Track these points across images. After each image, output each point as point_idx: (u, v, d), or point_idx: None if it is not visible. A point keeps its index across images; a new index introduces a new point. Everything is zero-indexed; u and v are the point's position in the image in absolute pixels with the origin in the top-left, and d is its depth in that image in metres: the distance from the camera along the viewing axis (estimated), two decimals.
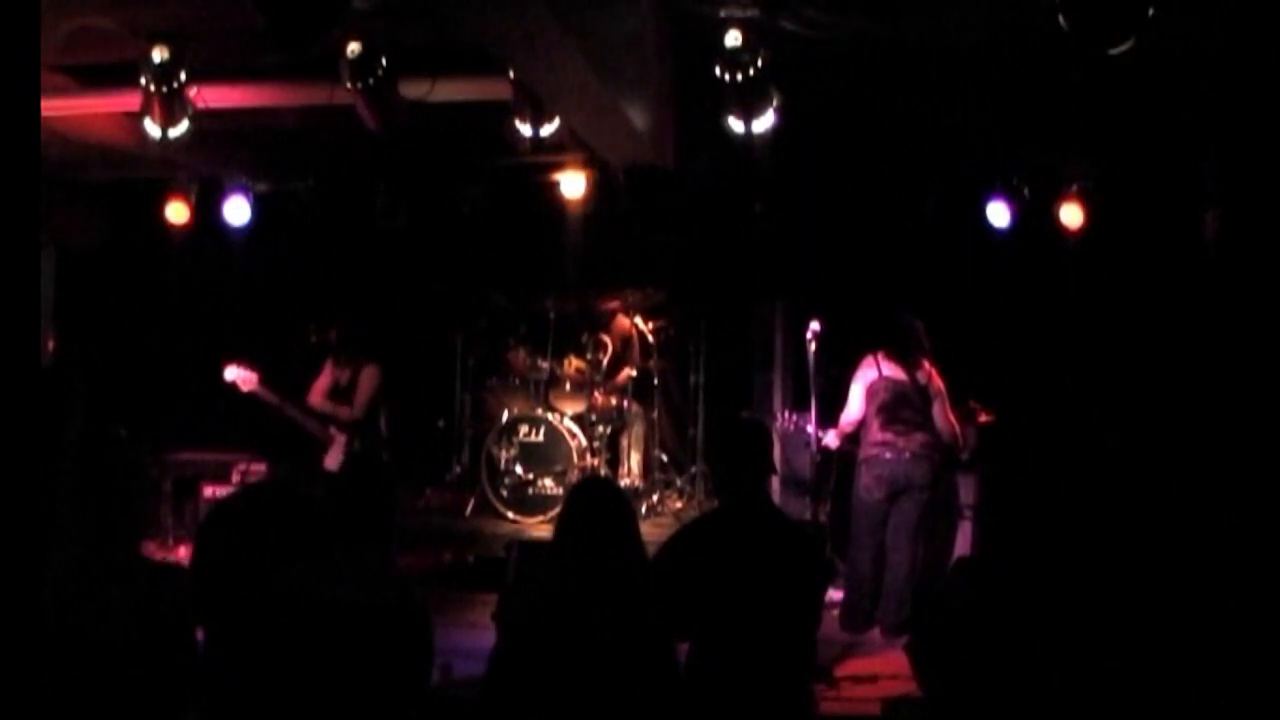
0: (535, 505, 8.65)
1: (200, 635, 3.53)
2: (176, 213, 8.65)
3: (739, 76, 5.73)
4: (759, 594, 4.12)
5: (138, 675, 3.20)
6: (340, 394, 7.94)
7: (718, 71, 5.74)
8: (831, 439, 6.94)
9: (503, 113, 6.50)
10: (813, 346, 6.62)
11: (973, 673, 3.49)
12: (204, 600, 4.09)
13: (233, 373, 7.47)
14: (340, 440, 7.81)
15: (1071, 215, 7.82)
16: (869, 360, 6.93)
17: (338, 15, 4.49)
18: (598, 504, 3.70)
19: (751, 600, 4.11)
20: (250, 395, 7.50)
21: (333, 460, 7.74)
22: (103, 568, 3.26)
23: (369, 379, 7.92)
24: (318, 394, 7.95)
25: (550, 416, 8.84)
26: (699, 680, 3.96)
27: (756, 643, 4.11)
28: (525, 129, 6.42)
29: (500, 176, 8.72)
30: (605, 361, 9.12)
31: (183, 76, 6.06)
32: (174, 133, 6.27)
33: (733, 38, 5.64)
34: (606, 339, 9.22)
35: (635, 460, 9.19)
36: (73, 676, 3.13)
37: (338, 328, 8.29)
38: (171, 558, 7.30)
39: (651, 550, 4.10)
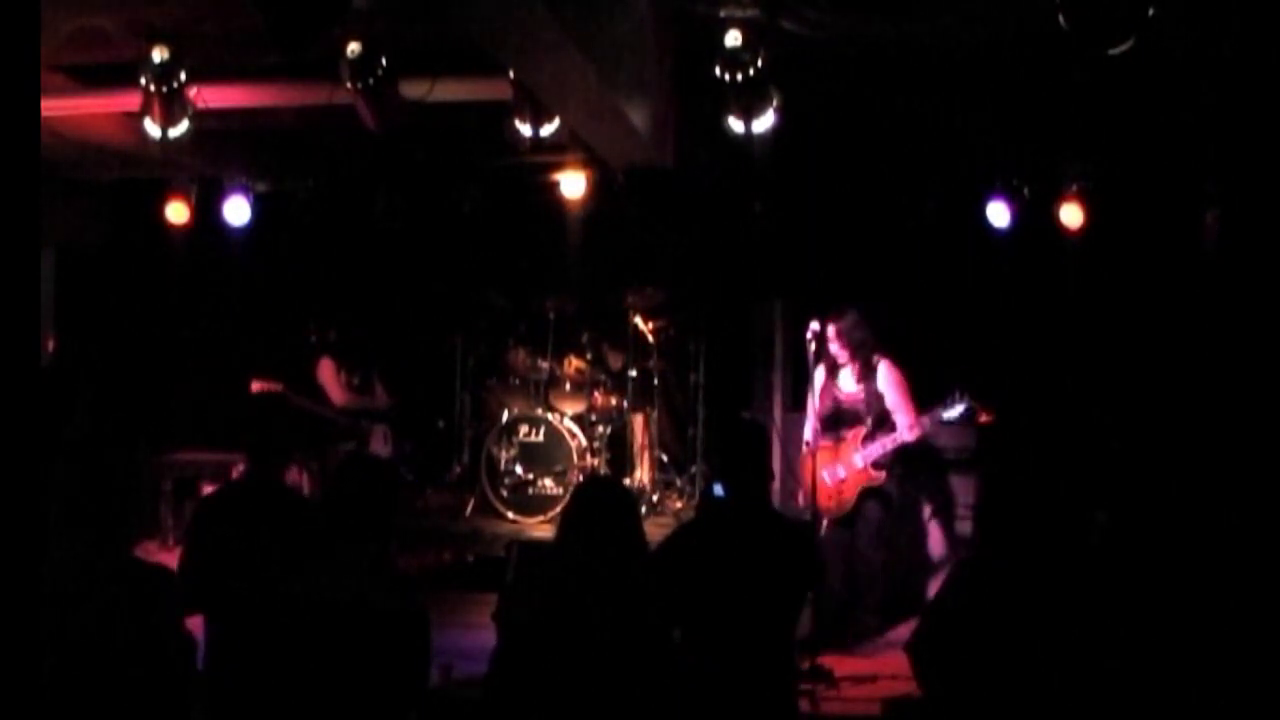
0: (535, 505, 8.65)
1: (199, 632, 3.54)
2: (176, 213, 8.65)
3: (739, 76, 5.72)
4: (748, 590, 4.16)
5: (133, 676, 3.20)
6: (357, 391, 8.41)
7: (718, 71, 5.74)
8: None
9: (503, 113, 6.49)
10: (813, 346, 6.61)
11: (973, 673, 3.50)
12: (197, 593, 4.12)
13: (260, 387, 7.75)
14: (380, 430, 8.34)
15: (1071, 215, 7.81)
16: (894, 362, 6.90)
17: (338, 15, 4.49)
18: (601, 504, 3.70)
19: (740, 596, 4.14)
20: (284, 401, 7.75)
21: (378, 446, 8.25)
22: (98, 569, 3.26)
23: (378, 377, 8.54)
24: (340, 393, 8.30)
25: (550, 416, 8.84)
26: (688, 674, 3.99)
27: (744, 638, 4.15)
28: (525, 129, 6.42)
29: (500, 176, 8.72)
30: (619, 368, 9.13)
31: (183, 76, 6.06)
32: (174, 133, 6.27)
33: (733, 38, 5.64)
34: (619, 346, 9.21)
35: (636, 460, 9.18)
36: (68, 677, 3.13)
37: (337, 330, 8.40)
38: (171, 558, 7.31)
39: (652, 550, 4.11)
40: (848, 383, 6.84)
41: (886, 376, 6.80)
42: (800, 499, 6.85)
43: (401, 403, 8.79)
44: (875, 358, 6.81)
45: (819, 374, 6.81)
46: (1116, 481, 7.58)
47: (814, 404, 6.86)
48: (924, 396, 6.93)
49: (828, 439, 6.74)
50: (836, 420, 6.78)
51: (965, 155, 7.84)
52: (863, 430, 6.71)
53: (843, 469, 6.68)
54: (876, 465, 6.67)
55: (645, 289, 9.09)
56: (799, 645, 6.34)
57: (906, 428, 6.63)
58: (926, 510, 7.52)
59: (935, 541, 7.50)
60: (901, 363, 6.95)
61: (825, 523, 6.70)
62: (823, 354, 6.75)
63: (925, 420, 6.64)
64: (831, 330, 6.69)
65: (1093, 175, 7.80)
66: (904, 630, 6.65)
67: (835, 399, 6.81)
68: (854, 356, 6.76)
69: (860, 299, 7.14)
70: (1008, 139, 7.62)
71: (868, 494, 6.70)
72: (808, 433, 6.99)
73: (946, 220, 8.10)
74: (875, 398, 6.77)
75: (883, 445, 6.64)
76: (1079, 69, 5.88)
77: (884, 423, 6.75)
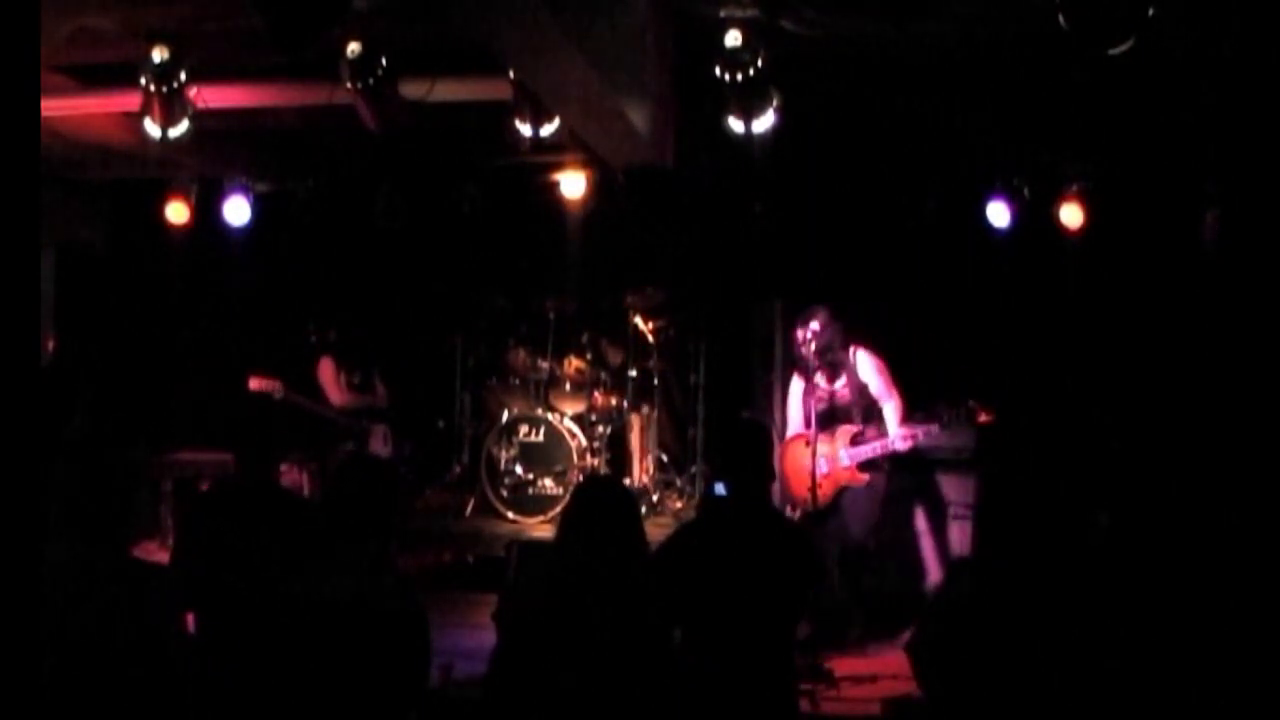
0: (535, 505, 8.65)
1: (190, 627, 3.53)
2: (176, 213, 8.64)
3: (739, 76, 5.72)
4: (748, 590, 4.16)
5: (132, 677, 3.20)
6: (357, 390, 8.42)
7: (718, 71, 5.74)
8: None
9: (503, 113, 6.49)
10: (813, 346, 6.59)
11: (973, 673, 3.50)
12: (188, 590, 4.13)
13: (258, 383, 7.76)
14: (380, 430, 8.36)
15: (1071, 215, 7.81)
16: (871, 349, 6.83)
17: (338, 15, 4.49)
18: (601, 504, 3.70)
19: (740, 596, 4.14)
20: (281, 401, 7.79)
21: (378, 446, 8.26)
22: (96, 569, 3.26)
23: (379, 376, 8.56)
24: (339, 393, 8.31)
25: (550, 416, 8.85)
26: (688, 673, 4.00)
27: (744, 638, 4.15)
28: (525, 129, 6.42)
29: (500, 176, 8.73)
30: (618, 364, 9.13)
31: (183, 76, 6.06)
32: (174, 133, 6.28)
33: (733, 38, 5.64)
34: (619, 344, 9.21)
35: (636, 460, 9.19)
36: (68, 678, 3.13)
37: (337, 330, 8.41)
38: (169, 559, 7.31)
39: (652, 550, 4.12)
40: (825, 382, 6.77)
41: (867, 364, 6.73)
42: (785, 496, 6.83)
43: (401, 402, 8.80)
44: (851, 350, 6.72)
45: (797, 379, 6.80)
46: (1116, 481, 7.58)
47: (796, 404, 6.84)
48: (923, 397, 6.92)
49: (822, 434, 6.69)
50: (830, 416, 6.74)
51: (965, 155, 7.84)
52: (853, 429, 6.68)
53: (826, 464, 6.61)
54: (862, 467, 6.62)
55: (645, 289, 9.09)
56: (799, 645, 6.38)
57: (900, 437, 6.57)
58: (925, 510, 7.51)
59: (934, 542, 7.49)
60: (902, 363, 6.93)
61: (797, 514, 6.66)
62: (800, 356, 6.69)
63: (919, 433, 6.58)
64: (799, 335, 6.64)
65: (1093, 175, 7.80)
66: (904, 631, 6.64)
67: (824, 397, 6.75)
68: (820, 362, 6.64)
69: (859, 299, 7.13)
70: (1008, 139, 7.62)
71: (849, 491, 6.65)
72: (791, 430, 6.95)
73: (946, 220, 8.10)
74: (859, 390, 6.71)
75: (872, 449, 6.59)
76: (1079, 69, 5.88)
77: (873, 414, 6.72)
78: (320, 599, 3.35)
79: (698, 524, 4.89)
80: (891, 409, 6.69)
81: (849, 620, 6.66)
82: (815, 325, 6.60)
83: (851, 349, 6.74)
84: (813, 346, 6.57)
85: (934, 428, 6.59)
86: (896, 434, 6.60)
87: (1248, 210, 7.64)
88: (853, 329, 6.78)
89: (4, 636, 2.30)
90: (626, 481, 8.90)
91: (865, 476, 6.62)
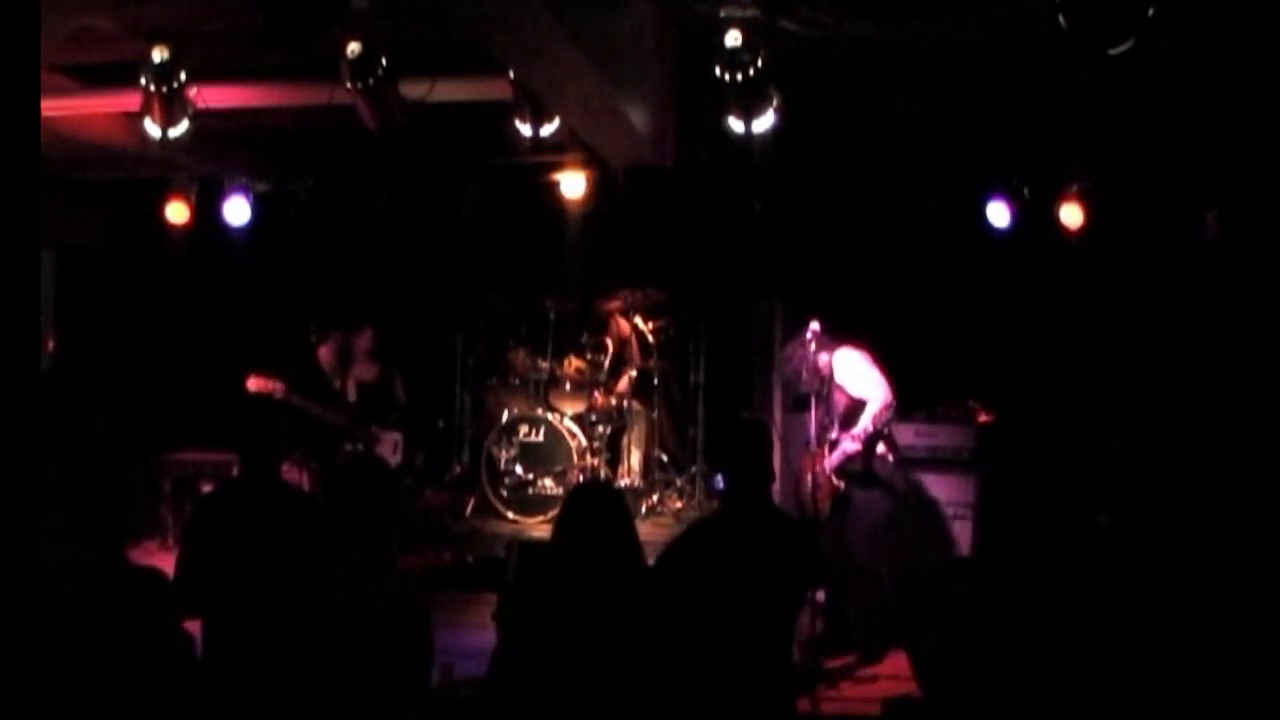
0: (535, 505, 8.66)
1: (197, 631, 3.52)
2: (176, 213, 8.65)
3: (739, 76, 5.73)
4: (749, 589, 4.16)
5: (128, 677, 3.19)
6: (371, 390, 8.36)
7: (718, 71, 5.74)
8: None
9: (503, 113, 6.50)
10: (812, 346, 6.57)
11: (973, 673, 3.50)
12: (196, 594, 4.12)
13: (256, 383, 7.65)
14: (390, 438, 8.26)
15: (1071, 215, 7.82)
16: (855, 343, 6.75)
17: (338, 15, 4.50)
18: (595, 506, 3.70)
19: (740, 595, 4.15)
20: (281, 402, 7.66)
21: (388, 453, 8.15)
22: (91, 569, 3.25)
23: (399, 376, 8.55)
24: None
25: (550, 416, 8.85)
26: (686, 672, 4.00)
27: (743, 637, 4.15)
28: (525, 129, 6.43)
29: (500, 176, 8.74)
30: (606, 363, 9.13)
31: (183, 76, 6.07)
32: (174, 133, 6.28)
33: (733, 38, 5.64)
34: (607, 341, 9.23)
35: (635, 460, 9.19)
36: (63, 679, 3.12)
37: (338, 331, 8.40)
38: (171, 558, 7.30)
39: (650, 550, 4.12)
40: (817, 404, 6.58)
41: (845, 364, 6.52)
42: (796, 497, 6.80)
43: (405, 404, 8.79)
44: (828, 358, 6.51)
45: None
46: (1117, 482, 7.58)
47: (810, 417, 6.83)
48: (924, 397, 6.91)
49: (821, 445, 6.63)
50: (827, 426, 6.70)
51: (965, 155, 7.85)
52: (833, 437, 6.53)
53: (817, 474, 6.47)
54: (838, 474, 6.47)
55: (645, 289, 9.09)
56: (799, 645, 6.36)
57: (850, 437, 6.37)
58: (926, 512, 7.48)
59: (937, 542, 7.48)
60: (902, 363, 6.85)
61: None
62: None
63: (860, 434, 6.34)
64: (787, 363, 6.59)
65: (1093, 175, 7.81)
66: (905, 633, 6.63)
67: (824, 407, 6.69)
68: (808, 389, 6.50)
69: (858, 299, 7.12)
70: (1008, 139, 7.63)
71: (848, 499, 6.59)
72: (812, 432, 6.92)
73: (946, 220, 8.11)
74: (835, 401, 6.52)
75: (835, 458, 6.43)
76: (1079, 69, 5.88)
77: (854, 418, 6.56)
78: (323, 599, 3.35)
79: (700, 524, 4.89)
80: (872, 403, 6.40)
81: (849, 625, 6.63)
82: (790, 355, 6.53)
83: (829, 355, 6.52)
84: (795, 373, 6.51)
85: (866, 429, 6.35)
86: (864, 422, 6.36)
87: (1248, 210, 7.65)
88: (831, 334, 6.55)
89: (4, 637, 2.30)
90: (625, 481, 8.91)
91: (840, 484, 6.45)
